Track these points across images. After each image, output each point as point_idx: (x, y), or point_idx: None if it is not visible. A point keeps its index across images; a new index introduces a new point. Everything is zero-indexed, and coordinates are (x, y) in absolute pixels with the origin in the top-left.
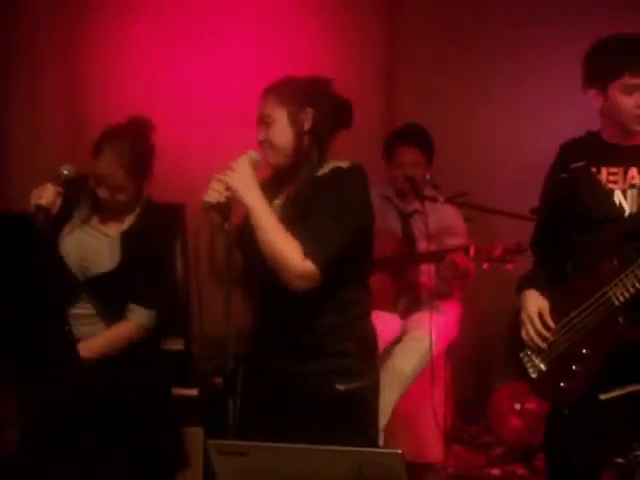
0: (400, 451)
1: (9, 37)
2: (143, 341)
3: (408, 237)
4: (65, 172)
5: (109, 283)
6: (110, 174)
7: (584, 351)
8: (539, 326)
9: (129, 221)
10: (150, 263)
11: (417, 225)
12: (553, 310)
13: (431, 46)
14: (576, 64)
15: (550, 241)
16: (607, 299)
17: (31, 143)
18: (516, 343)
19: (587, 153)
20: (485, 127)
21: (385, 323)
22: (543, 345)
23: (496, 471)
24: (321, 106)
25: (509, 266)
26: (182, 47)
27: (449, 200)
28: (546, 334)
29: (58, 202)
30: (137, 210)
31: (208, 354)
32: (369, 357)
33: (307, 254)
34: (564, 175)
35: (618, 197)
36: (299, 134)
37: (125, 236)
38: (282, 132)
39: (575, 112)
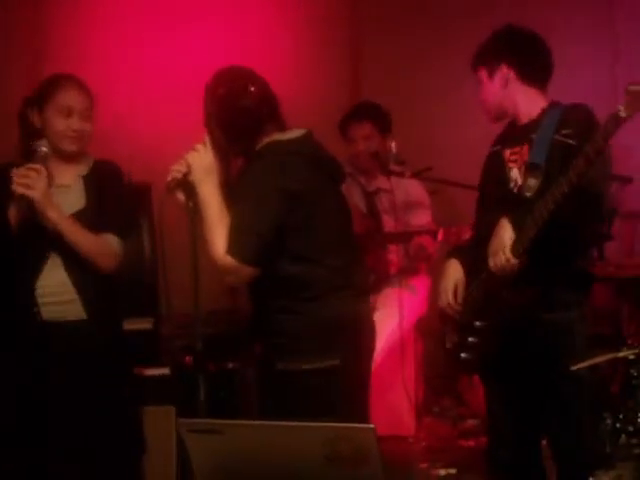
0: (372, 426)
1: None
2: (105, 322)
3: (373, 214)
4: (44, 149)
5: (81, 221)
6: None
7: (477, 323)
8: (451, 298)
9: (86, 167)
10: (114, 199)
11: (382, 202)
12: (468, 283)
13: (396, 20)
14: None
15: (477, 218)
16: (491, 272)
17: None
18: None
19: (503, 137)
20: (451, 101)
21: None
22: (454, 316)
23: (469, 443)
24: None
25: None
26: (150, 29)
27: (415, 175)
28: (455, 306)
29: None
30: (91, 158)
31: (177, 333)
32: (324, 340)
33: (227, 249)
34: (485, 159)
35: (515, 175)
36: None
37: (87, 179)
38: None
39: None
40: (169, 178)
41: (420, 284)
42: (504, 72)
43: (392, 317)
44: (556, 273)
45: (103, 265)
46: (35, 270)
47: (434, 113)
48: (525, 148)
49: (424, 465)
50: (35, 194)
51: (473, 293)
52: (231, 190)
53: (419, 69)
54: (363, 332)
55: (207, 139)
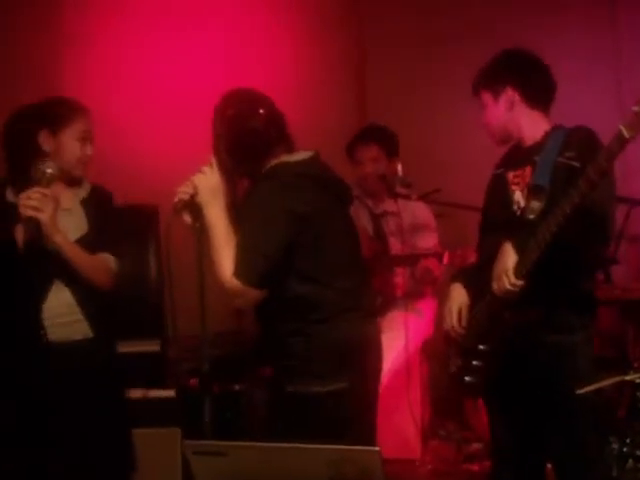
0: (378, 448)
1: None
2: (100, 341)
3: (380, 237)
4: (50, 171)
5: (85, 247)
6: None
7: (480, 347)
8: (455, 322)
9: (84, 190)
10: (109, 220)
11: (388, 225)
12: (472, 306)
13: (401, 43)
14: (556, 57)
15: (481, 241)
16: (494, 295)
17: None
18: None
19: (506, 160)
20: (456, 125)
21: None
22: (457, 339)
23: (474, 467)
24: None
25: None
26: (163, 48)
27: (422, 197)
28: (459, 330)
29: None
30: (88, 182)
31: (184, 355)
32: (335, 363)
33: (234, 272)
34: (489, 182)
35: (518, 197)
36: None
37: (85, 203)
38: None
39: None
40: (176, 199)
41: (426, 307)
42: (509, 95)
43: (398, 340)
44: (559, 295)
45: (100, 283)
46: (41, 292)
47: (440, 134)
48: (528, 170)
49: None
50: (44, 217)
51: (477, 316)
52: (238, 212)
53: (425, 91)
54: (371, 354)
55: (213, 160)
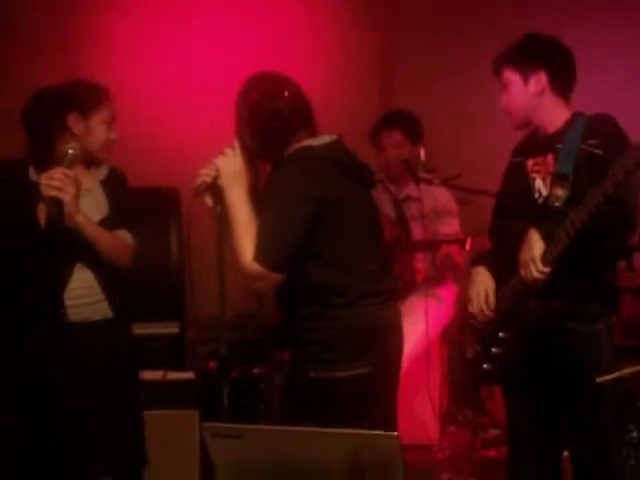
0: (396, 434)
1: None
2: (118, 322)
3: (402, 222)
4: (72, 152)
5: (107, 227)
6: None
7: (500, 334)
8: (483, 304)
9: (103, 172)
10: (125, 199)
11: (410, 210)
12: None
13: (429, 29)
14: (580, 44)
15: (498, 227)
16: (521, 281)
17: None
18: None
19: (525, 148)
20: (481, 112)
21: None
22: (483, 322)
23: (491, 453)
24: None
25: None
26: (182, 31)
27: (444, 182)
28: (488, 313)
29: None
30: (106, 163)
31: (203, 337)
32: (356, 348)
33: (254, 256)
34: (505, 170)
35: (539, 185)
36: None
37: (105, 184)
38: None
39: (576, 94)
40: (198, 182)
41: (447, 293)
42: (542, 79)
43: (418, 325)
44: (584, 284)
45: (120, 261)
46: (65, 273)
47: (463, 121)
48: (549, 158)
49: (446, 475)
50: (66, 197)
51: (498, 303)
52: (259, 196)
53: (449, 77)
54: (393, 338)
55: (236, 144)
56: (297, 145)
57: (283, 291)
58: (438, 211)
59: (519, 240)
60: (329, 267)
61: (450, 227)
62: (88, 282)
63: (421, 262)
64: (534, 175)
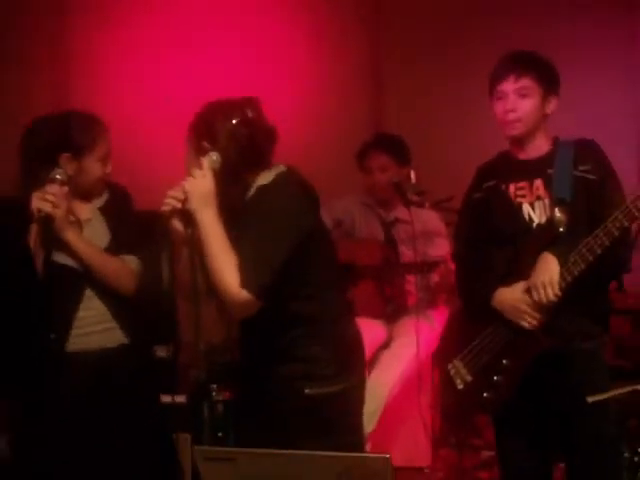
0: (388, 455)
1: None
2: (135, 348)
3: (391, 244)
4: (58, 177)
5: (112, 253)
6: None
7: (504, 362)
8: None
9: (101, 198)
10: (129, 220)
11: (399, 233)
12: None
13: (417, 49)
14: (568, 63)
15: (471, 258)
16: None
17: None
18: None
19: (498, 172)
20: (472, 131)
21: (369, 330)
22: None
23: (483, 474)
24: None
25: None
26: (167, 49)
27: (435, 206)
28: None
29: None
30: (107, 189)
31: (195, 362)
32: (344, 361)
33: (243, 283)
34: (477, 195)
35: (527, 210)
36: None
37: (103, 210)
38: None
39: (571, 114)
40: (165, 207)
41: (438, 315)
42: (554, 105)
43: (409, 347)
44: (585, 304)
45: (123, 286)
46: (73, 303)
47: (454, 142)
48: (538, 183)
49: None
50: (57, 212)
51: (499, 329)
52: (234, 217)
53: (440, 99)
54: (363, 350)
55: (205, 163)
56: (277, 169)
57: (263, 317)
58: (428, 233)
59: (512, 265)
60: (311, 286)
61: (440, 249)
62: (98, 310)
63: (411, 284)
64: (520, 200)
